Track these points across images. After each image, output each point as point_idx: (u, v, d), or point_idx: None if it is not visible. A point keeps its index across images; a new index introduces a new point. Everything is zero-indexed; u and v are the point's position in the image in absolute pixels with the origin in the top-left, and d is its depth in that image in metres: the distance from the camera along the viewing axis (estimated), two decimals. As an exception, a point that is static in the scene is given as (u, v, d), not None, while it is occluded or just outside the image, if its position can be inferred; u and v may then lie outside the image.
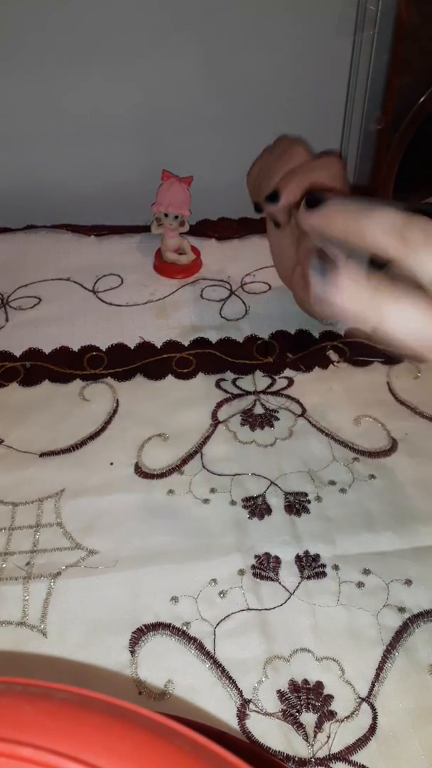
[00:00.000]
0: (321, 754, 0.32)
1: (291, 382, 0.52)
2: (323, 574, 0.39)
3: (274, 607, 0.38)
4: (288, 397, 0.50)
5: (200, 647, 0.36)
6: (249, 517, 0.42)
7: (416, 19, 0.64)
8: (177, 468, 0.45)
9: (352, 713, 0.34)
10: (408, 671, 0.35)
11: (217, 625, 0.37)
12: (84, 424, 0.48)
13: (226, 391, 0.51)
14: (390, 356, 0.53)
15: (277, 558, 0.40)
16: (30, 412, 0.50)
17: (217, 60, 0.71)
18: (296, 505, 0.43)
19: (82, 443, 0.47)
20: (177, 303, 0.60)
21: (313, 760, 0.32)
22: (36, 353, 0.55)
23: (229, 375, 0.52)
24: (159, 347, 0.55)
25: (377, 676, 0.35)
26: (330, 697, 0.34)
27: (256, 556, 0.40)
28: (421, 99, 0.67)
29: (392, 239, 0.25)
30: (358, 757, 0.32)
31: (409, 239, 0.25)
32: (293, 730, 0.33)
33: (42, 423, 0.49)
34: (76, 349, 0.55)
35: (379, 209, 0.26)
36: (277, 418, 0.49)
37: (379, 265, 0.26)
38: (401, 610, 0.37)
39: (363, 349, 0.53)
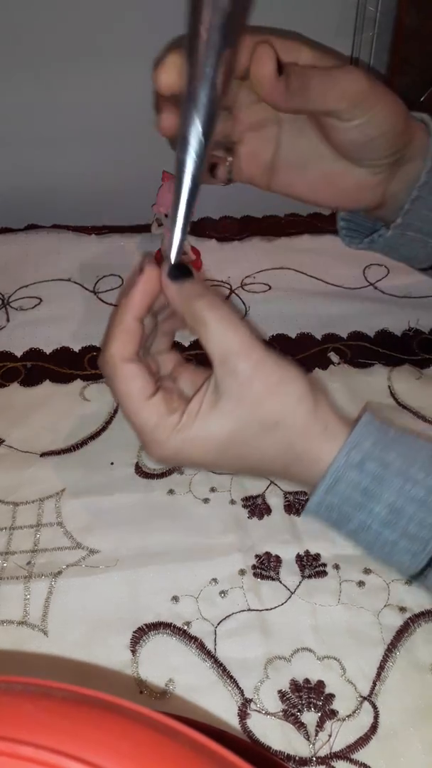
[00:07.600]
0: (322, 753, 0.32)
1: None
2: (324, 574, 0.39)
3: (275, 607, 0.38)
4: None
5: (201, 647, 0.36)
6: (249, 517, 0.42)
7: (416, 21, 0.64)
8: (177, 467, 0.45)
9: (354, 712, 0.34)
10: (409, 670, 0.35)
11: (218, 624, 0.37)
12: (84, 424, 0.48)
13: (226, 391, 0.51)
14: (391, 359, 0.53)
15: (277, 557, 0.40)
16: (31, 412, 0.50)
17: (217, 60, 0.71)
18: (296, 504, 0.43)
19: (83, 443, 0.47)
20: (177, 303, 0.60)
21: (314, 759, 0.32)
22: (37, 353, 0.55)
23: (230, 375, 0.52)
24: (159, 347, 0.55)
25: (378, 675, 0.35)
26: (331, 696, 0.34)
27: (256, 556, 0.40)
28: (421, 99, 0.67)
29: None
30: (359, 755, 0.32)
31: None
32: (294, 729, 0.33)
33: (43, 423, 0.49)
34: (76, 349, 0.55)
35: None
36: (277, 418, 0.49)
37: None
38: (402, 609, 0.37)
39: (364, 351, 0.53)
